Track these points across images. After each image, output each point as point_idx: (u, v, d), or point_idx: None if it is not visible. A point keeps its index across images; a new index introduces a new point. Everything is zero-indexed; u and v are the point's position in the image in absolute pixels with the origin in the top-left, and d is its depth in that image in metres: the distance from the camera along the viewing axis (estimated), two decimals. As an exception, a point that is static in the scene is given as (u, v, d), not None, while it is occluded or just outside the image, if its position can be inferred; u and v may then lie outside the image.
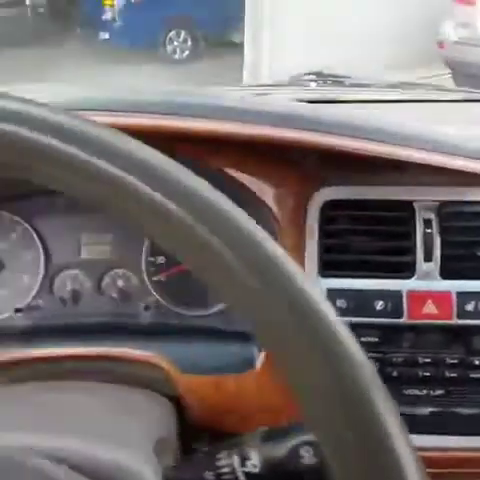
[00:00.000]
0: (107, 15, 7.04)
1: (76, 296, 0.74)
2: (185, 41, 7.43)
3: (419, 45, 5.68)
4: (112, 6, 7.00)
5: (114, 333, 0.71)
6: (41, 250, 0.75)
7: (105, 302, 0.75)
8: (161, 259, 0.74)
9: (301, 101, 0.85)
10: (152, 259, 0.75)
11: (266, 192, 0.67)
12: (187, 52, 7.46)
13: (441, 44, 5.24)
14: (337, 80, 1.12)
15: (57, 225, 0.75)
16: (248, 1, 5.04)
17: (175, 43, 7.40)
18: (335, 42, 5.48)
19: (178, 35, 7.36)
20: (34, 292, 0.74)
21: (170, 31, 7.28)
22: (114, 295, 0.74)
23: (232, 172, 0.66)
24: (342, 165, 0.66)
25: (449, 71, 5.61)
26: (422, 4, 5.61)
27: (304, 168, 0.68)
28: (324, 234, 0.67)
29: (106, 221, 0.73)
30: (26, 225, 0.75)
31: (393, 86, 1.15)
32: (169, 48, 7.38)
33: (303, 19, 5.24)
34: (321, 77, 1.12)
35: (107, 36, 7.11)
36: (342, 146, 0.62)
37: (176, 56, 7.43)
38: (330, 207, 0.68)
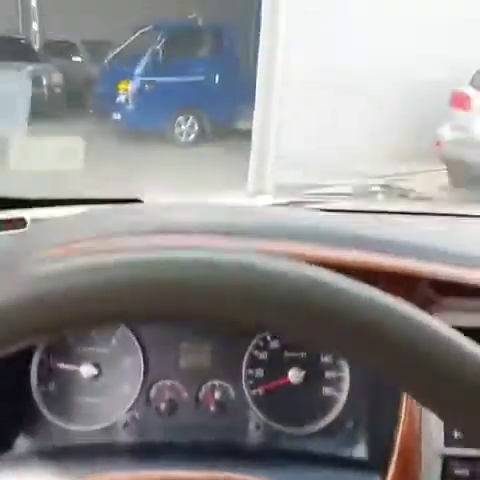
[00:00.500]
0: (121, 98, 7.41)
1: (173, 407, 0.71)
2: (192, 126, 7.79)
3: (418, 142, 5.96)
4: (126, 90, 7.38)
5: (213, 452, 0.67)
6: (141, 357, 0.71)
7: (201, 415, 0.72)
8: (260, 372, 0.72)
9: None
10: (251, 372, 0.72)
11: None
12: (193, 136, 7.80)
13: (438, 143, 5.51)
14: (402, 193, 1.15)
15: (157, 332, 0.72)
16: (258, 93, 5.31)
17: (182, 127, 7.75)
18: (339, 134, 5.77)
19: (186, 120, 7.72)
20: (132, 401, 0.71)
21: (179, 116, 7.64)
22: (211, 408, 0.71)
23: None
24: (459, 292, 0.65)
25: (444, 167, 5.87)
26: (422, 106, 5.96)
27: (420, 294, 0.67)
28: None
29: (206, 330, 0.71)
30: (127, 330, 0.72)
31: (455, 202, 1.18)
32: (177, 131, 7.71)
33: (310, 112, 5.54)
34: (387, 189, 1.15)
35: (119, 117, 7.43)
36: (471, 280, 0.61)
37: (182, 139, 7.75)
38: None
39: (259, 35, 5.73)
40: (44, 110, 8.68)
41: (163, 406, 0.70)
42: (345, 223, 0.73)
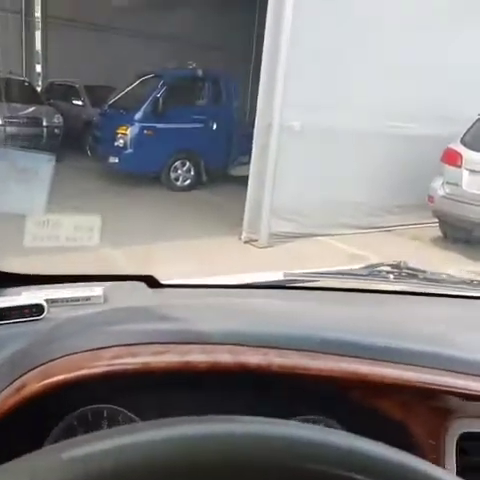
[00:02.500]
0: (119, 142, 7.53)
1: None
2: (188, 171, 7.91)
3: (412, 196, 6.09)
4: (125, 135, 7.52)
5: None
6: None
7: None
8: None
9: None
10: None
11: (411, 423, 0.68)
12: (189, 181, 7.92)
13: (431, 198, 5.64)
14: (412, 273, 1.17)
15: None
16: (255, 145, 5.43)
17: (179, 171, 7.87)
18: (330, 187, 5.87)
19: (183, 165, 7.86)
20: None
21: (176, 161, 7.77)
22: None
23: (391, 411, 0.67)
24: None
25: (436, 220, 5.99)
26: (414, 160, 6.11)
27: (443, 403, 0.69)
28: (462, 468, 0.66)
29: None
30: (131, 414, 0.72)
31: (464, 282, 1.19)
32: (173, 175, 7.83)
33: (301, 164, 5.64)
34: (397, 269, 1.17)
35: (116, 160, 7.54)
36: None
37: (178, 183, 7.86)
38: (467, 439, 0.68)
39: (256, 86, 5.93)
40: (41, 149, 8.83)
41: None
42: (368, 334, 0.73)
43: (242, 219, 5.53)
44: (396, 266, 1.18)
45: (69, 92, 10.25)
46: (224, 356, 0.61)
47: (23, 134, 8.72)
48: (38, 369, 0.61)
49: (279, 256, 5.17)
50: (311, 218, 5.83)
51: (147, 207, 6.30)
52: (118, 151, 7.54)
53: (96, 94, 9.44)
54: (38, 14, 12.93)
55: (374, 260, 4.92)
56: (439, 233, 5.98)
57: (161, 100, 7.59)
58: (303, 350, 0.64)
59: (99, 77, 10.11)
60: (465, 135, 5.62)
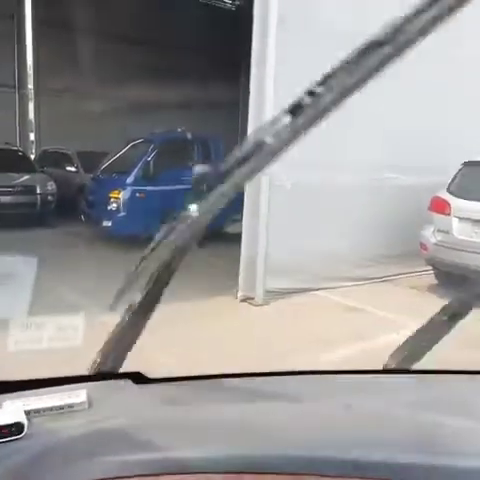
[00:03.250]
0: (112, 206, 7.63)
1: None
2: (182, 231, 7.96)
3: (404, 245, 6.13)
4: (117, 198, 7.62)
5: None
6: None
7: None
8: None
9: None
10: None
11: None
12: (183, 240, 7.95)
13: (424, 246, 5.68)
14: None
15: None
16: (246, 204, 5.51)
17: (173, 232, 7.92)
18: (329, 238, 5.92)
19: (176, 225, 7.92)
20: None
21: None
22: None
23: None
24: None
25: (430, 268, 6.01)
26: (406, 211, 6.20)
27: None
28: None
29: None
30: None
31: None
32: (166, 236, 7.87)
33: (298, 220, 5.70)
34: None
35: (110, 224, 7.60)
36: None
37: (173, 243, 7.89)
38: None
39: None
40: (35, 216, 8.94)
41: None
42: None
43: (237, 277, 5.51)
44: None
45: (62, 159, 10.47)
46: None
47: (17, 203, 8.84)
48: None
49: (275, 313, 5.13)
50: (306, 273, 5.82)
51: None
52: (111, 215, 7.62)
53: (88, 160, 9.64)
54: (31, 86, 13.42)
55: (371, 311, 4.90)
56: (435, 280, 5.98)
57: (152, 163, 7.76)
58: (281, 473, 0.61)
59: (91, 143, 10.36)
60: (451, 184, 5.73)
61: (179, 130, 8.32)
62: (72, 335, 1.01)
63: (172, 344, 3.81)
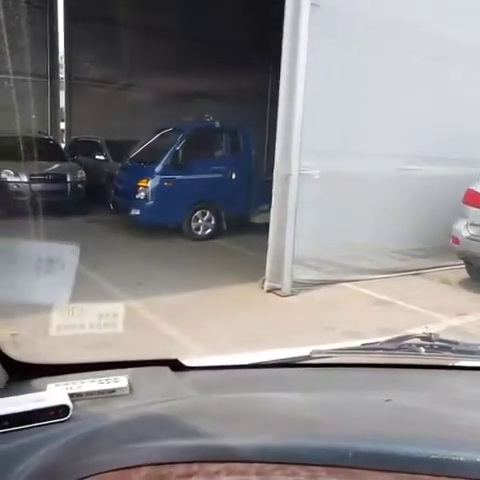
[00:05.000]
0: (140, 194, 7.69)
1: None
2: (209, 220, 8.01)
3: (435, 238, 6.02)
4: (146, 187, 7.68)
5: None
6: None
7: None
8: None
9: None
10: None
11: None
12: (210, 230, 7.99)
13: (456, 240, 5.56)
14: (445, 345, 1.12)
15: None
16: (275, 194, 5.48)
17: (199, 221, 7.96)
18: (358, 230, 5.86)
19: (203, 214, 7.96)
20: None
21: (196, 211, 7.88)
22: None
23: None
24: None
25: (461, 263, 5.88)
26: (437, 204, 6.08)
27: None
28: None
29: None
30: None
31: None
32: (193, 225, 7.92)
33: (325, 211, 5.66)
34: (428, 341, 1.13)
35: (138, 212, 7.67)
36: None
37: (199, 233, 7.94)
38: None
39: (272, 133, 6.03)
40: (65, 204, 9.08)
41: None
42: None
43: (264, 267, 5.50)
44: (427, 338, 1.13)
45: (92, 148, 10.59)
46: (252, 478, 0.59)
47: (48, 190, 9.00)
48: None
49: (303, 304, 5.10)
50: (334, 264, 5.78)
51: (168, 258, 6.35)
52: (139, 203, 7.69)
53: (118, 149, 9.73)
54: (62, 75, 13.58)
55: (400, 305, 4.84)
56: (467, 275, 5.86)
57: (180, 153, 7.78)
58: (334, 466, 0.61)
59: (120, 132, 10.45)
60: (485, 176, 5.58)
61: (208, 119, 8.30)
62: (113, 322, 1.03)
63: (202, 336, 3.83)
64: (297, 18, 5.12)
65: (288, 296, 5.30)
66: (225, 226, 8.03)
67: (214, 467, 0.60)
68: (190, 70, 11.49)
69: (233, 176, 8.15)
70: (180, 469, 0.60)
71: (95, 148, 10.51)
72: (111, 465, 0.63)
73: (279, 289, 5.44)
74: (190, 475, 0.59)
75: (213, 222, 8.01)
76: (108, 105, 11.91)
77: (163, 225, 7.67)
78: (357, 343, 1.18)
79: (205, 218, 7.98)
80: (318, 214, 5.66)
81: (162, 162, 7.80)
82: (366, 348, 1.13)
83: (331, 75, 5.39)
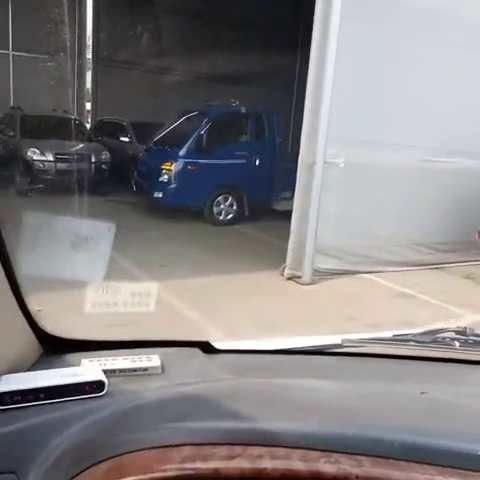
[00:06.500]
0: (164, 177, 7.71)
1: None
2: (231, 205, 8.00)
3: (462, 232, 5.93)
4: (169, 170, 7.69)
5: None
6: None
7: None
8: None
9: None
10: None
11: None
12: (231, 215, 7.98)
13: (481, 234, 5.47)
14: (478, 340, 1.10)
15: None
16: (299, 182, 5.44)
17: (221, 206, 7.96)
18: (381, 221, 5.79)
19: (226, 199, 7.95)
20: None
21: (218, 195, 7.88)
22: None
23: None
24: None
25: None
26: (464, 197, 5.97)
27: None
28: None
29: None
30: None
31: None
32: (215, 210, 7.92)
33: (349, 201, 5.60)
34: (463, 335, 1.11)
35: (160, 195, 7.70)
36: None
37: (221, 218, 7.94)
38: None
39: (298, 120, 5.96)
40: (89, 184, 9.16)
41: None
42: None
43: (284, 255, 5.49)
44: (461, 332, 1.11)
45: (117, 129, 10.62)
46: (296, 463, 0.58)
47: (72, 169, 9.07)
48: (105, 465, 0.60)
49: (324, 294, 5.08)
50: (356, 255, 5.73)
51: (190, 241, 6.37)
52: (162, 186, 7.71)
53: (142, 131, 9.74)
54: (89, 56, 13.60)
55: (423, 299, 4.79)
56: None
57: (205, 137, 7.76)
58: (378, 456, 0.60)
59: (146, 114, 10.45)
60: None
61: (233, 104, 8.25)
62: (145, 301, 1.03)
63: (221, 321, 3.85)
64: (329, 2, 5.03)
65: (308, 285, 5.28)
66: (247, 212, 8.01)
67: (257, 450, 0.59)
68: (218, 53, 11.40)
69: (257, 162, 8.10)
70: (223, 451, 0.60)
71: (120, 130, 10.53)
72: (151, 443, 0.63)
73: (299, 277, 5.43)
74: (233, 457, 0.59)
75: (235, 207, 8.00)
76: (134, 87, 11.90)
77: (185, 208, 7.69)
78: (388, 334, 1.16)
79: (227, 203, 7.97)
80: (341, 203, 5.61)
81: (186, 145, 7.79)
82: (398, 339, 1.12)
83: (360, 62, 5.30)
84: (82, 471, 0.61)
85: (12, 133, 9.52)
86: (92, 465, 0.61)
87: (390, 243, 6.00)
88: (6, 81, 11.71)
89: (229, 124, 8.12)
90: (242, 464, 0.58)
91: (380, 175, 5.75)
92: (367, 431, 0.66)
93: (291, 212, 5.52)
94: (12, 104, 10.57)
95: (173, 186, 7.69)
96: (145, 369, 0.91)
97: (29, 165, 9.04)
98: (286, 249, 5.47)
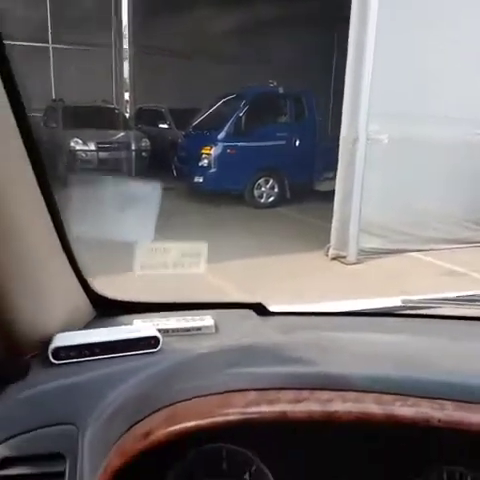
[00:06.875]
0: (203, 162, 7.71)
1: None
2: (272, 188, 7.92)
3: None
4: (209, 155, 7.69)
5: None
6: None
7: None
8: None
9: None
10: None
11: None
12: (273, 198, 7.91)
13: None
14: None
15: (293, 469, 0.65)
16: (341, 160, 5.32)
17: (262, 189, 7.90)
18: (427, 198, 5.61)
19: (266, 182, 7.88)
20: None
21: (259, 178, 7.81)
22: None
23: None
24: None
25: None
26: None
27: None
28: None
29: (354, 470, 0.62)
30: (262, 465, 0.66)
31: None
32: (256, 193, 7.87)
33: (393, 178, 5.45)
34: None
35: (201, 180, 7.71)
36: None
37: (262, 201, 7.88)
38: None
39: (337, 98, 5.82)
40: (130, 172, 9.29)
41: None
42: None
43: (328, 236, 5.40)
44: None
45: (156, 116, 10.69)
46: (371, 406, 0.54)
47: (113, 158, 9.21)
48: (164, 412, 0.57)
49: (370, 273, 4.97)
50: (401, 233, 5.58)
51: (232, 225, 6.36)
52: (202, 171, 7.71)
53: (181, 117, 9.77)
54: (126, 46, 13.71)
55: (475, 276, 4.60)
56: None
57: (243, 119, 7.70)
58: (457, 400, 0.55)
59: (184, 100, 10.46)
60: None
61: (271, 85, 8.13)
62: (196, 261, 1.00)
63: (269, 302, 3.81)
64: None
65: (354, 264, 5.18)
66: (288, 194, 7.92)
67: (325, 395, 0.56)
68: (255, 36, 11.25)
69: (297, 143, 7.98)
70: (289, 395, 0.56)
71: (159, 117, 10.60)
72: (211, 389, 0.60)
73: (344, 257, 5.33)
74: (300, 401, 0.55)
75: (276, 190, 7.92)
76: (171, 74, 11.94)
77: (226, 192, 7.67)
78: (451, 295, 1.10)
79: (268, 186, 7.90)
80: (385, 180, 5.47)
81: (225, 129, 7.75)
82: (461, 299, 1.05)
83: (402, 34, 5.10)
84: (140, 420, 0.59)
85: (54, 125, 9.72)
86: (150, 414, 0.59)
87: (437, 220, 5.81)
88: (47, 74, 11.95)
89: (267, 105, 8.02)
90: (311, 407, 0.54)
91: (425, 150, 5.56)
92: (446, 376, 0.61)
93: (334, 192, 5.42)
94: (54, 97, 10.80)
95: (213, 170, 7.68)
96: (199, 329, 0.89)
97: (72, 155, 9.23)
98: (330, 230, 5.38)
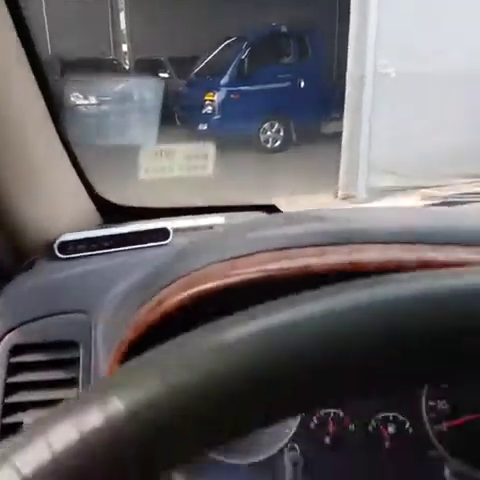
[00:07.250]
0: (207, 109, 7.55)
1: (338, 440, 0.62)
2: (278, 132, 7.77)
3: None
4: (212, 101, 7.52)
5: None
6: None
7: (372, 451, 0.62)
8: (444, 404, 0.62)
9: None
10: (433, 403, 0.62)
11: None
12: (279, 142, 7.77)
13: None
14: None
15: None
16: (348, 96, 5.17)
17: (268, 133, 7.75)
18: (437, 132, 5.47)
19: (272, 126, 7.72)
20: (291, 433, 0.64)
21: (265, 122, 7.65)
22: (385, 443, 0.62)
23: None
24: None
25: None
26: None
27: None
28: None
29: None
30: None
31: None
32: (262, 138, 7.73)
33: (402, 113, 5.30)
34: None
35: (205, 127, 7.57)
36: None
37: (268, 145, 7.75)
38: None
39: (343, 38, 5.60)
40: (131, 124, 9.15)
41: (327, 439, 0.61)
42: None
43: (336, 178, 5.34)
44: None
45: (155, 66, 10.41)
46: (401, 253, 0.51)
47: (115, 110, 9.03)
48: (177, 282, 0.55)
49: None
50: (412, 170, 5.48)
51: (240, 169, 6.28)
52: (206, 118, 7.57)
53: (182, 65, 9.51)
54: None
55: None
56: None
57: (246, 62, 7.48)
58: None
59: (184, 47, 10.14)
60: None
61: (273, 24, 7.83)
62: (202, 164, 0.96)
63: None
64: None
65: (364, 203, 5.12)
66: (295, 137, 7.77)
67: (349, 249, 0.52)
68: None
69: (302, 84, 7.76)
70: (311, 251, 0.53)
71: (158, 66, 10.32)
72: (228, 254, 0.57)
73: (353, 197, 5.27)
74: (324, 253, 0.52)
75: (282, 133, 7.76)
76: (169, 21, 11.53)
77: (231, 138, 7.52)
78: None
79: (273, 130, 7.74)
80: (395, 117, 5.33)
81: (227, 74, 7.55)
82: None
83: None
84: (153, 296, 0.57)
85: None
86: (165, 286, 0.57)
87: (449, 155, 5.69)
88: (42, 27, 11.61)
89: (270, 46, 7.76)
90: (336, 259, 0.51)
91: (437, 84, 5.38)
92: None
93: (341, 133, 5.31)
94: (49, 51, 10.52)
95: (217, 117, 7.53)
96: (210, 227, 0.87)
97: (72, 110, 9.07)
98: (338, 172, 5.31)
